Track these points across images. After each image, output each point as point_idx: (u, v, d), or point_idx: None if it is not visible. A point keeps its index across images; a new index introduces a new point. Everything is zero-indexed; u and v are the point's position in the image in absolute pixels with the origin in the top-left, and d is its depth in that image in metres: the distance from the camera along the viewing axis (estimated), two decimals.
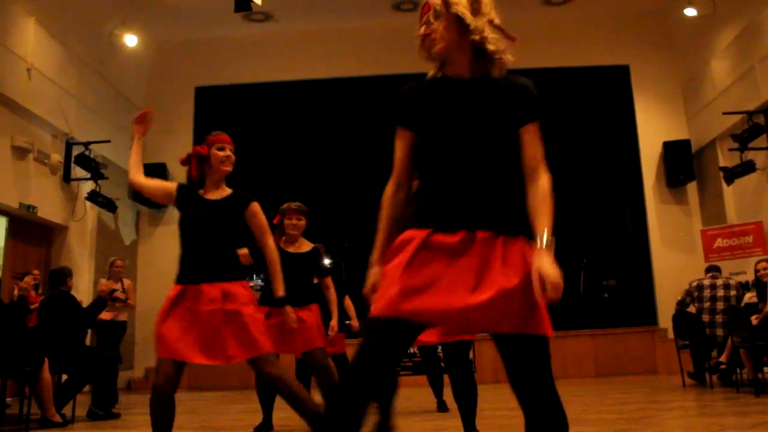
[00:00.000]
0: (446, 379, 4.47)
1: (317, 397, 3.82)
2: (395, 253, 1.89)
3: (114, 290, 7.48)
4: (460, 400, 3.74)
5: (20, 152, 7.73)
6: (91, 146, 8.82)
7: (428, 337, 3.54)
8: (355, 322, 6.62)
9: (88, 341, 7.91)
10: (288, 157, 10.88)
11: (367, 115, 11.01)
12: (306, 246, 4.73)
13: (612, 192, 10.86)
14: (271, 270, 3.43)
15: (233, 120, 11.27)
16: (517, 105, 2.00)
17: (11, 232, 7.98)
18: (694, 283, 7.31)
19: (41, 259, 8.47)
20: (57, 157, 8.48)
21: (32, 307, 6.03)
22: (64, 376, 6.02)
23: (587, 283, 10.17)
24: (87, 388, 6.37)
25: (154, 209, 10.83)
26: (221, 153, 3.38)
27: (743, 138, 8.37)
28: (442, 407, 5.91)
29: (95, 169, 8.84)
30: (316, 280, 4.88)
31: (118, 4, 9.60)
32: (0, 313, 5.11)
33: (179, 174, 10.86)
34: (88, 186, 9.03)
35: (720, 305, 6.97)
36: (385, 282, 1.86)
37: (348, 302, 6.59)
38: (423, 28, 2.09)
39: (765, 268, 6.74)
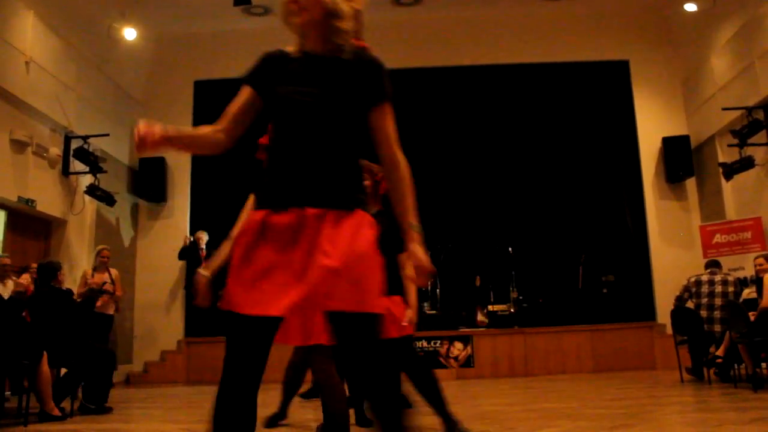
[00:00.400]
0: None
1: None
2: (239, 236, 1.92)
3: (104, 283, 7.53)
4: (422, 393, 3.71)
5: (19, 146, 7.71)
6: (90, 140, 8.80)
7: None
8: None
9: None
10: None
11: None
12: None
13: (611, 187, 10.86)
14: None
15: None
16: (366, 86, 2.03)
17: (10, 226, 7.97)
18: (693, 279, 7.32)
19: (40, 252, 8.46)
20: (56, 151, 8.47)
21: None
22: (63, 370, 6.03)
23: (586, 278, 10.18)
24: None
25: (153, 203, 10.82)
26: None
27: (742, 134, 8.37)
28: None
29: (94, 162, 8.83)
30: None
31: None
32: None
33: (178, 168, 10.87)
34: (86, 180, 9.02)
35: (718, 301, 6.98)
36: (230, 274, 1.89)
37: None
38: None
39: (761, 264, 6.77)
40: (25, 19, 7.83)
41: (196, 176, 11.02)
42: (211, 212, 10.14)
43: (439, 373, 9.07)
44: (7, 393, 5.96)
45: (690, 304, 7.32)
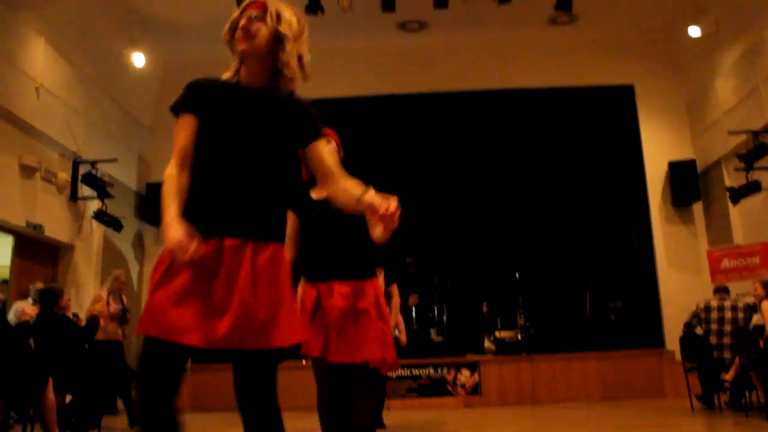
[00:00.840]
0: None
1: None
2: (158, 264, 1.93)
3: (126, 310, 7.35)
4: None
5: (28, 171, 7.76)
6: (98, 165, 8.85)
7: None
8: (403, 336, 6.42)
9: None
10: None
11: (371, 135, 11.05)
12: None
13: (618, 212, 10.83)
14: None
15: None
16: (299, 125, 2.07)
17: (18, 251, 7.98)
18: (702, 305, 7.26)
19: (47, 278, 8.45)
20: (64, 176, 8.51)
21: None
22: (69, 397, 6.00)
23: (593, 304, 10.12)
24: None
25: (160, 228, 10.82)
26: None
27: (749, 157, 8.35)
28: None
29: (102, 187, 8.86)
30: None
31: (126, 23, 9.68)
32: (4, 334, 5.10)
33: None
34: (94, 205, 9.05)
35: (728, 327, 6.91)
36: (149, 299, 1.90)
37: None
38: (245, 20, 2.07)
39: (756, 290, 6.76)
40: (36, 46, 7.92)
41: None
42: None
43: (446, 400, 9.04)
44: (13, 414, 5.93)
45: (699, 330, 7.25)
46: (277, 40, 2.05)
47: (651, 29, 10.64)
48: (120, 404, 8.82)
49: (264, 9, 2.07)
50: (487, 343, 9.49)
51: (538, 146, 10.81)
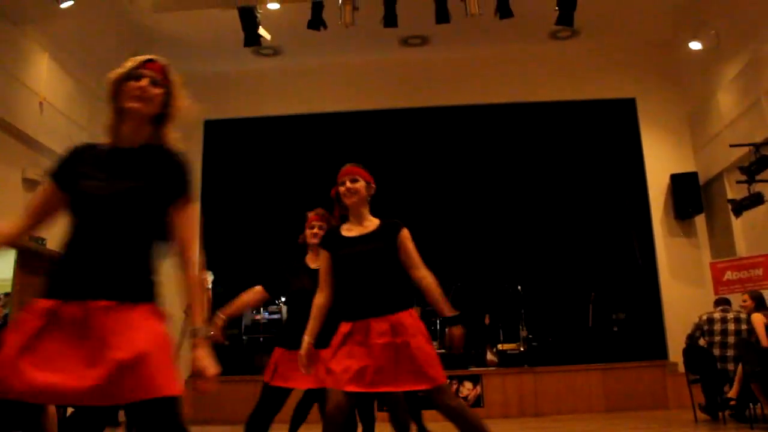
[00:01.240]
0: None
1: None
2: (21, 323, 1.90)
3: None
4: None
5: (31, 184, 7.79)
6: None
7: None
8: None
9: None
10: (296, 190, 10.92)
11: (374, 149, 11.08)
12: None
13: (620, 225, 10.83)
14: (429, 297, 3.37)
15: (242, 154, 11.37)
16: (168, 182, 2.10)
17: (20, 265, 8.00)
18: (705, 317, 7.25)
19: None
20: None
21: None
22: (69, 410, 5.98)
23: (596, 316, 10.09)
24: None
25: (163, 242, 10.84)
26: (341, 188, 3.51)
27: (751, 170, 8.36)
28: None
29: None
30: None
31: (129, 38, 9.75)
32: None
33: None
34: None
35: (731, 339, 6.90)
36: (4, 359, 1.86)
37: None
38: (146, 82, 2.16)
39: (746, 301, 6.75)
40: (40, 61, 7.98)
41: (207, 218, 11.05)
42: (222, 252, 10.16)
43: None
44: None
45: (702, 342, 7.23)
46: (166, 105, 2.18)
47: (652, 43, 10.70)
48: (122, 416, 8.81)
49: (164, 75, 2.22)
50: (489, 356, 9.46)
51: (540, 160, 10.83)
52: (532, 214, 10.70)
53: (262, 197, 10.98)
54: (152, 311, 2.01)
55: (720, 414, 6.80)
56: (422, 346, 3.15)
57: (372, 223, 3.44)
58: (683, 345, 7.41)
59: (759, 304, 6.83)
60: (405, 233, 3.39)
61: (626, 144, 10.88)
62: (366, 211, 3.47)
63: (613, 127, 10.99)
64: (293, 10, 9.07)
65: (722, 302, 7.40)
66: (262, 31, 8.83)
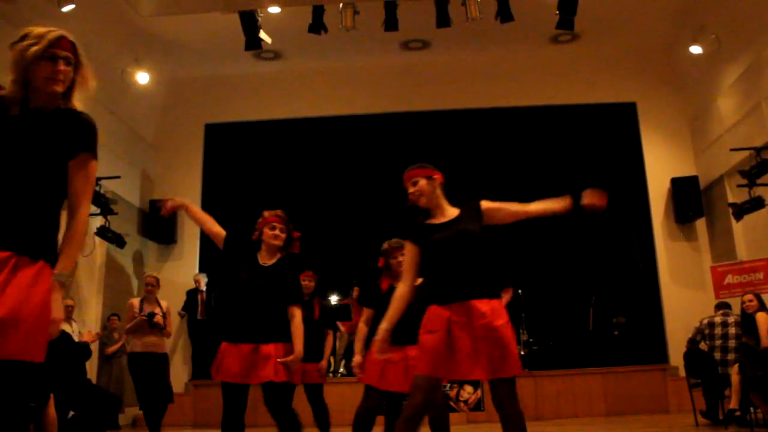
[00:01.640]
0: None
1: None
2: None
3: (153, 314, 6.71)
4: None
5: None
6: (102, 182, 8.89)
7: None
8: None
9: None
10: (296, 193, 10.93)
11: (376, 153, 11.09)
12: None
13: (620, 229, 10.82)
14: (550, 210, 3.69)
15: (243, 157, 11.38)
16: (67, 137, 2.14)
17: None
18: (705, 321, 7.24)
19: None
20: None
21: None
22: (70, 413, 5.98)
23: (597, 320, 10.08)
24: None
25: (163, 245, 10.87)
26: (409, 196, 3.49)
27: (751, 174, 8.37)
28: None
29: (105, 204, 8.90)
30: None
31: (130, 42, 9.78)
32: None
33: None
34: (97, 221, 9.08)
35: (732, 343, 6.89)
36: None
37: None
38: (62, 64, 2.21)
39: (751, 300, 6.73)
40: None
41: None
42: (221, 254, 10.15)
43: (450, 417, 8.96)
44: None
45: (703, 346, 7.23)
46: (74, 79, 2.26)
47: (653, 47, 10.71)
48: (121, 420, 8.81)
49: (74, 52, 2.24)
50: None
51: (541, 163, 10.82)
52: (532, 218, 10.68)
53: (263, 200, 10.94)
54: (44, 270, 2.04)
55: (721, 418, 6.78)
56: (510, 334, 3.18)
57: (454, 210, 3.49)
58: (684, 349, 7.40)
59: (762, 306, 6.81)
60: (484, 203, 3.49)
61: (627, 148, 10.89)
62: (444, 203, 3.49)
63: (614, 131, 10.99)
64: (294, 14, 9.08)
65: (723, 306, 7.39)
66: (263, 34, 8.84)
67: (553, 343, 9.96)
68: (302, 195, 11.03)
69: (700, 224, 10.41)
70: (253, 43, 8.89)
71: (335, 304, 11.62)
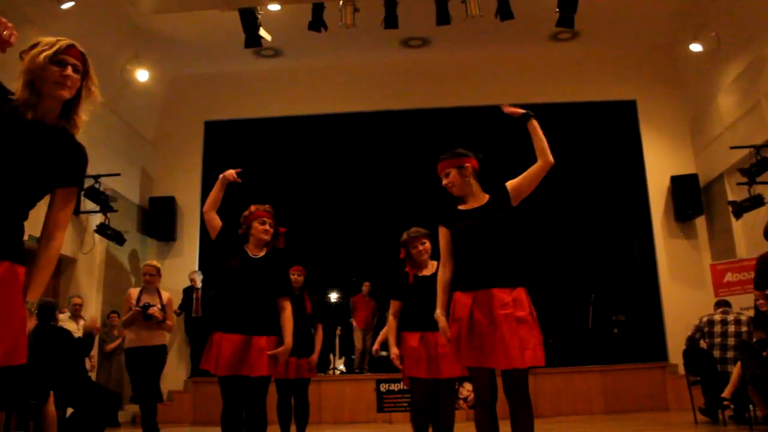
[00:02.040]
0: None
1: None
2: None
3: (147, 305, 6.27)
4: None
5: None
6: (101, 179, 8.89)
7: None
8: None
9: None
10: (296, 191, 10.94)
11: (376, 150, 11.09)
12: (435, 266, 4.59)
13: (620, 226, 10.83)
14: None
15: (242, 154, 11.36)
16: (64, 165, 2.21)
17: None
18: (705, 319, 7.24)
19: (50, 291, 8.47)
20: None
21: None
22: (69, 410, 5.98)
23: (596, 318, 10.09)
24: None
25: (162, 242, 10.87)
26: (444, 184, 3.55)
27: (751, 172, 8.36)
28: None
29: (105, 202, 8.90)
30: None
31: (130, 39, 9.77)
32: None
33: (188, 207, 10.92)
34: (97, 219, 9.08)
35: (731, 341, 6.89)
36: None
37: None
38: (70, 70, 2.26)
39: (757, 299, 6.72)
40: None
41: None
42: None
43: None
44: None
45: (702, 344, 7.23)
46: (80, 90, 2.29)
47: (653, 45, 10.70)
48: (121, 417, 8.82)
49: (83, 62, 2.29)
50: None
51: None
52: (532, 215, 10.68)
53: (263, 197, 10.96)
54: (13, 270, 2.12)
55: (720, 416, 6.79)
56: (531, 325, 3.20)
57: (485, 196, 3.53)
58: (683, 347, 7.40)
59: None
60: (509, 183, 3.57)
61: (627, 146, 10.89)
62: (476, 189, 3.55)
63: (614, 129, 10.99)
64: (294, 11, 9.07)
65: (722, 304, 7.39)
66: (262, 32, 8.84)
67: (553, 341, 9.95)
68: (302, 192, 11.04)
69: (700, 222, 10.42)
70: (252, 40, 8.89)
71: (335, 301, 11.65)
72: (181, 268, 10.58)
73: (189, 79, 11.25)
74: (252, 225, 4.26)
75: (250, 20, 8.73)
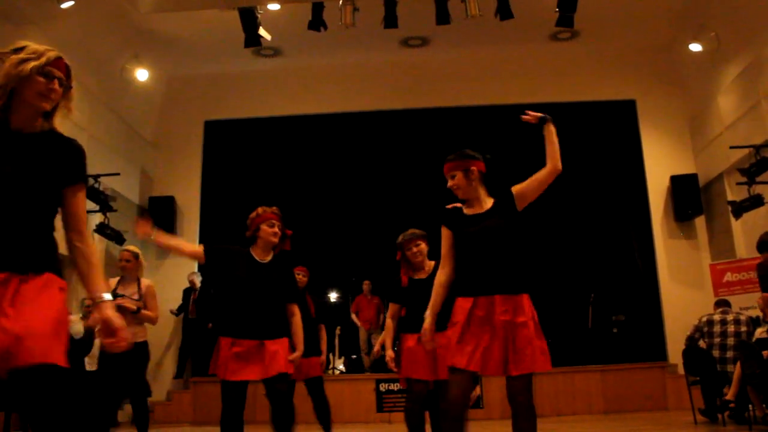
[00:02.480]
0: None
1: None
2: None
3: (117, 295, 5.44)
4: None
5: None
6: (101, 179, 8.88)
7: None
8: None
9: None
10: (296, 191, 10.94)
11: (375, 150, 11.09)
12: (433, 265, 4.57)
13: (620, 226, 10.83)
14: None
15: (242, 154, 11.37)
16: (63, 166, 2.20)
17: None
18: (704, 319, 7.24)
19: None
20: None
21: None
22: None
23: (596, 318, 10.08)
24: None
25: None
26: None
27: (751, 172, 8.36)
28: None
29: (104, 201, 8.90)
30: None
31: (130, 39, 9.76)
32: None
33: (187, 208, 10.93)
34: (96, 218, 9.08)
35: (731, 341, 6.89)
36: None
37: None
38: (55, 83, 2.24)
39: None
40: None
41: (206, 216, 11.08)
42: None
43: None
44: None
45: (702, 344, 7.23)
46: (66, 95, 2.29)
47: (653, 45, 10.70)
48: (120, 417, 8.81)
49: (66, 74, 2.28)
50: None
51: (541, 161, 10.78)
52: (532, 216, 10.67)
53: (262, 198, 10.96)
54: (52, 281, 2.11)
55: (719, 416, 6.79)
56: (532, 331, 3.20)
57: (490, 200, 3.54)
58: (683, 346, 7.40)
59: None
60: (514, 188, 3.61)
61: (626, 145, 10.89)
62: (481, 193, 3.56)
63: (613, 129, 10.99)
64: (293, 10, 9.08)
65: (722, 304, 7.39)
66: (262, 31, 8.84)
67: (552, 341, 9.94)
68: (301, 192, 11.03)
69: (700, 222, 10.42)
70: (252, 40, 8.89)
71: (334, 301, 11.66)
72: (181, 269, 10.57)
73: (189, 78, 11.25)
74: (260, 228, 4.22)
75: (249, 20, 8.73)
